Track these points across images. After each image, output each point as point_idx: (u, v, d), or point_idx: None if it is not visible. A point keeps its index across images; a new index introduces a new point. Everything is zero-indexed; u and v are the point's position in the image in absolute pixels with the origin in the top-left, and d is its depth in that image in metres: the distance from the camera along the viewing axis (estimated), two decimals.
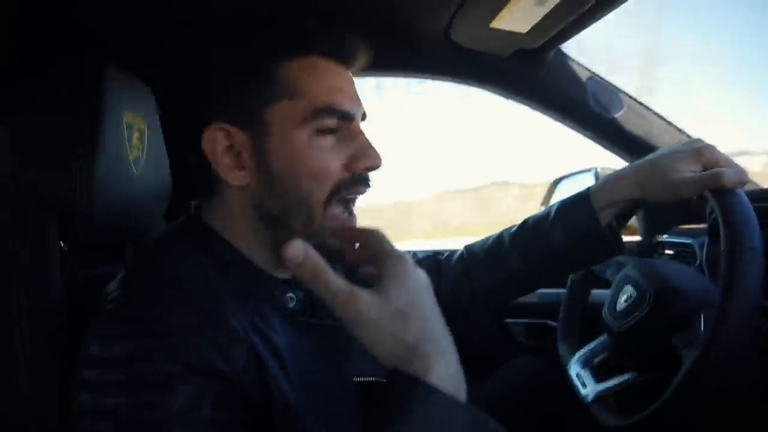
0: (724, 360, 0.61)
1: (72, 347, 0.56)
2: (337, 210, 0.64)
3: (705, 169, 0.72)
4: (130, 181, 0.72)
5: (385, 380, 0.73)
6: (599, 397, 0.86)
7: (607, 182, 0.81)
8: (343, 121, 0.64)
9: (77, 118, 0.66)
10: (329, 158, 0.63)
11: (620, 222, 0.85)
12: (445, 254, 0.94)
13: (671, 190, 0.73)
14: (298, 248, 0.47)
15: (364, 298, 0.46)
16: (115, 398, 0.49)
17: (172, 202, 0.86)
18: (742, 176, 0.67)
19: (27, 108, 0.67)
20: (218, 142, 0.62)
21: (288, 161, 0.62)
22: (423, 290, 0.50)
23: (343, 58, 0.66)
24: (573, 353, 0.97)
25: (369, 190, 0.67)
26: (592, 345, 0.95)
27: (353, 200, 0.67)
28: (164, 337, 0.51)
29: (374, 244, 0.52)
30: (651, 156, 0.78)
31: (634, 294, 0.86)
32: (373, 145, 0.66)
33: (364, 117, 0.69)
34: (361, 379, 0.72)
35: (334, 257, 0.64)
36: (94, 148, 0.65)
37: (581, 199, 0.82)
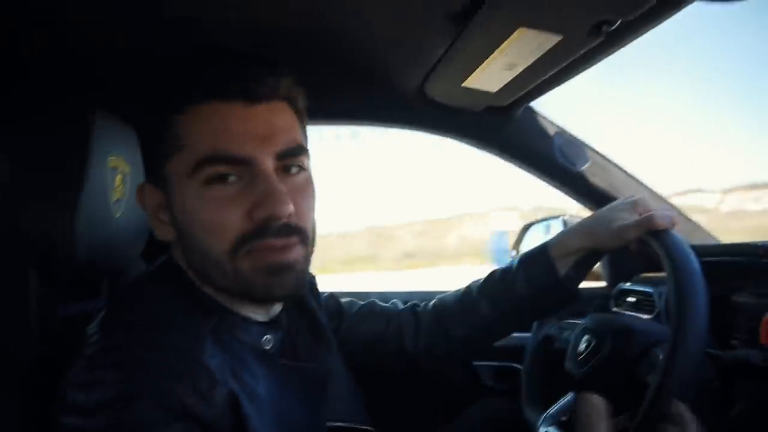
0: (689, 366, 0.64)
1: (49, 388, 0.57)
2: (248, 261, 0.60)
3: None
4: (111, 223, 0.75)
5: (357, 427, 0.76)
6: None
7: (562, 235, 0.89)
8: (241, 166, 0.60)
9: (63, 164, 0.68)
10: (224, 210, 0.59)
11: (581, 271, 0.90)
12: (421, 305, 0.97)
13: (616, 236, 0.81)
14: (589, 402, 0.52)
15: None
16: None
17: (150, 241, 0.88)
18: (671, 218, 0.76)
19: (13, 152, 0.69)
20: (148, 199, 0.66)
21: (185, 216, 0.62)
22: None
23: (244, 97, 0.61)
24: (540, 414, 0.98)
25: (296, 237, 0.63)
26: (558, 405, 0.97)
27: (276, 249, 0.61)
28: (146, 382, 0.53)
29: None
30: (597, 212, 0.88)
31: (593, 340, 0.90)
32: (278, 189, 0.60)
33: (293, 153, 0.64)
34: (336, 424, 0.73)
35: (266, 302, 0.66)
36: (78, 193, 0.67)
37: (540, 251, 0.88)
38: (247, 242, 0.60)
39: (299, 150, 0.65)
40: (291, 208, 0.60)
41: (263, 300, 0.65)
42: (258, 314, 0.69)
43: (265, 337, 0.68)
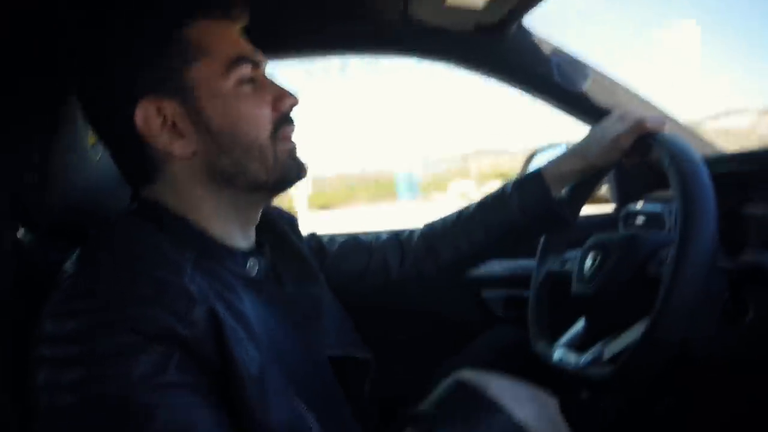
0: (700, 259, 0.64)
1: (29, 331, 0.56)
2: (281, 147, 0.69)
3: None
4: (89, 168, 0.73)
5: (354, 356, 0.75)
6: (590, 362, 0.85)
7: (556, 160, 0.89)
8: (255, 69, 0.68)
9: (32, 108, 0.66)
10: (258, 103, 0.67)
11: (578, 196, 0.91)
12: (405, 233, 0.98)
13: (611, 149, 0.82)
14: None
15: None
16: (74, 372, 0.50)
17: None
18: (661, 120, 0.80)
19: None
20: (151, 119, 0.63)
21: (225, 115, 0.65)
22: None
23: (232, 17, 0.69)
24: (551, 347, 0.97)
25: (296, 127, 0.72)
26: (569, 334, 0.97)
27: (293, 136, 0.71)
28: (120, 308, 0.52)
29: None
30: (588, 131, 0.88)
31: (599, 255, 0.89)
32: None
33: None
34: (334, 353, 0.74)
35: (292, 183, 0.72)
36: (50, 138, 0.65)
37: (535, 176, 0.88)
38: (279, 127, 0.68)
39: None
40: None
41: (293, 181, 0.72)
42: (241, 243, 0.70)
43: (249, 263, 0.69)
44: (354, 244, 0.96)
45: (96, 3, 0.68)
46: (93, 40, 0.66)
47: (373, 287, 0.94)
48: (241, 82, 0.66)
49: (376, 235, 0.98)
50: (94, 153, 0.74)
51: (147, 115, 0.63)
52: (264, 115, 0.67)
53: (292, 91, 0.71)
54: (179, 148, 0.64)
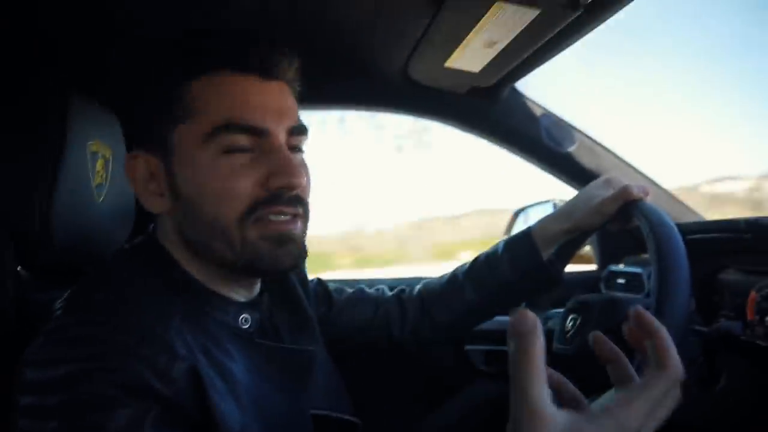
0: (675, 323, 0.63)
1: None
2: (257, 230, 0.61)
3: None
4: (92, 207, 0.74)
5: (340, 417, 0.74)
6: None
7: (543, 220, 0.91)
8: (256, 137, 0.62)
9: (40, 145, 0.67)
10: (238, 178, 0.60)
11: (565, 255, 0.93)
12: (406, 291, 0.98)
13: (596, 213, 0.83)
14: (522, 317, 0.38)
15: (553, 416, 0.37)
16: (53, 422, 0.49)
17: (137, 226, 0.87)
18: (644, 188, 0.80)
19: None
20: (138, 170, 0.63)
21: (193, 184, 0.61)
22: None
23: (261, 71, 0.63)
24: None
25: (302, 209, 0.65)
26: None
27: (283, 220, 0.63)
28: (100, 359, 0.51)
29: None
30: (575, 195, 0.90)
31: (580, 317, 0.91)
32: (294, 162, 0.62)
33: (300, 131, 0.66)
34: (318, 412, 0.72)
35: (270, 274, 0.66)
36: (56, 175, 0.66)
37: (524, 236, 0.90)
38: (258, 209, 0.61)
39: (305, 129, 0.67)
40: (305, 180, 0.64)
41: (268, 271, 0.65)
42: (238, 294, 0.68)
43: (242, 317, 0.66)
44: (361, 296, 0.96)
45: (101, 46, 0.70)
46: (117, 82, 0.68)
47: (374, 341, 0.93)
48: (227, 151, 0.60)
49: (381, 291, 0.99)
50: (98, 193, 0.76)
51: (135, 165, 0.64)
52: (238, 193, 0.60)
53: (294, 170, 0.61)
54: (154, 205, 0.64)
